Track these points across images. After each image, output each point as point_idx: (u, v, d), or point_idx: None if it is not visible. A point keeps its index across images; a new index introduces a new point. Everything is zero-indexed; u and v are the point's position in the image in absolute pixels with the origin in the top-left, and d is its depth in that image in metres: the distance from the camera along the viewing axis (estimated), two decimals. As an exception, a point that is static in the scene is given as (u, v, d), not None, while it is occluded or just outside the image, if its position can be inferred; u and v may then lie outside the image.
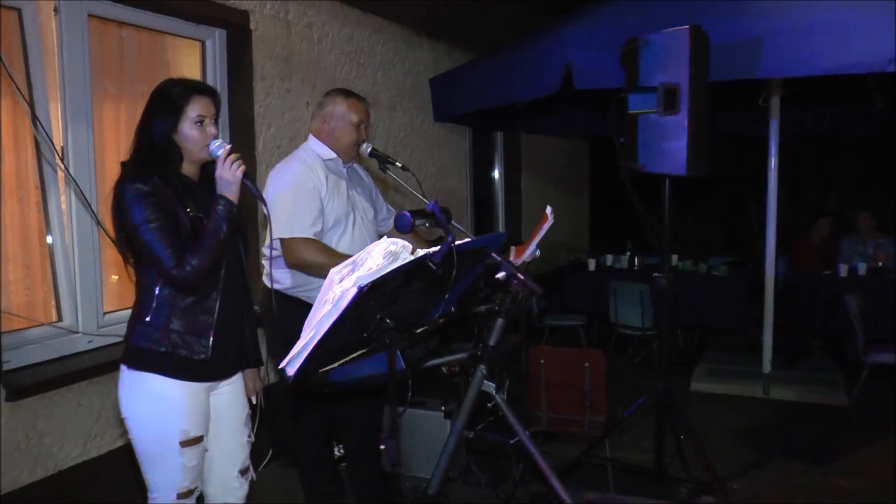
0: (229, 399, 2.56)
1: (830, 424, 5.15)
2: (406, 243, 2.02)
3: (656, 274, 3.86)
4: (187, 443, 2.37)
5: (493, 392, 2.84)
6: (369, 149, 3.30)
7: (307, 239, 3.07)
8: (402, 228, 2.51)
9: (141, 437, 2.38)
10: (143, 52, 3.95)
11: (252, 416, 2.69)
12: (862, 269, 6.45)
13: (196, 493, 2.49)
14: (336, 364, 2.16)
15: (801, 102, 6.61)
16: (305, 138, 3.38)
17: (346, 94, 3.36)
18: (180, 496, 2.41)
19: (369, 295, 1.87)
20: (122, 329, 2.86)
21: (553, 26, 5.03)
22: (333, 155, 3.27)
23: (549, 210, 3.04)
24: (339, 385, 2.29)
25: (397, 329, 2.09)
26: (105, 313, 3.63)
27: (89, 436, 3.39)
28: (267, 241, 3.08)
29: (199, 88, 2.40)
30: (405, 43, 5.96)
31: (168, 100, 2.35)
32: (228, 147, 2.38)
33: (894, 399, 5.57)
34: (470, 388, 2.88)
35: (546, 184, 8.93)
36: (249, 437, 2.66)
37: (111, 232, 2.40)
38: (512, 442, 2.92)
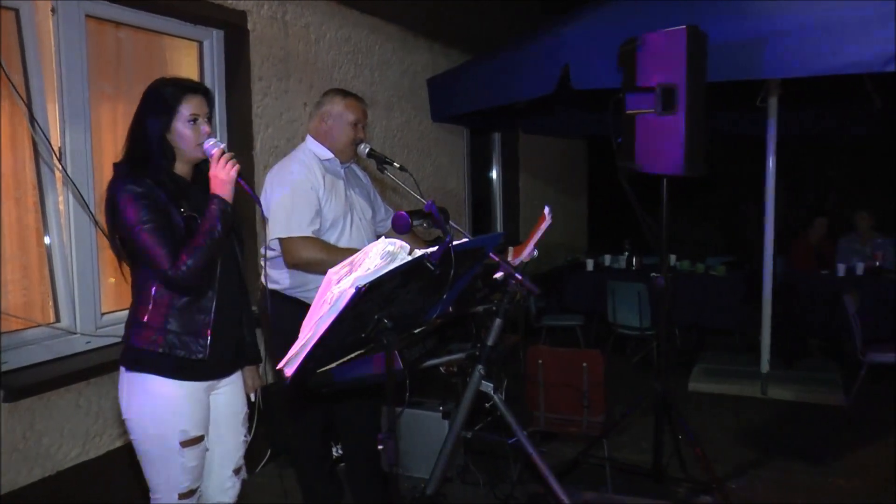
0: (229, 398, 2.56)
1: (829, 424, 5.15)
2: (404, 244, 2.02)
3: (654, 274, 3.87)
4: (188, 443, 2.37)
5: (492, 392, 2.84)
6: (367, 149, 3.30)
7: (305, 237, 3.07)
8: (399, 229, 2.51)
9: (141, 437, 2.38)
10: (141, 52, 3.95)
11: (250, 416, 2.69)
12: (860, 268, 6.46)
13: (198, 494, 2.49)
14: (334, 364, 2.16)
15: (799, 102, 6.62)
16: (303, 139, 3.38)
17: (344, 93, 3.36)
18: (181, 496, 2.40)
19: (367, 295, 1.87)
20: (119, 330, 2.85)
21: (550, 26, 5.03)
22: (331, 155, 3.27)
23: (547, 210, 3.04)
24: (338, 385, 2.29)
25: (395, 329, 2.09)
26: (103, 314, 3.63)
27: (88, 436, 3.39)
28: (265, 242, 3.09)
29: (191, 87, 2.39)
30: (402, 43, 5.97)
31: (161, 99, 2.34)
32: (223, 146, 2.37)
33: (893, 399, 5.57)
34: (468, 388, 2.88)
35: (544, 184, 8.93)
36: (245, 436, 2.66)
37: (106, 233, 2.40)
38: (510, 442, 2.92)
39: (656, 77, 3.52)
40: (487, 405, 2.89)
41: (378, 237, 2.91)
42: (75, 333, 3.48)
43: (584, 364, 3.81)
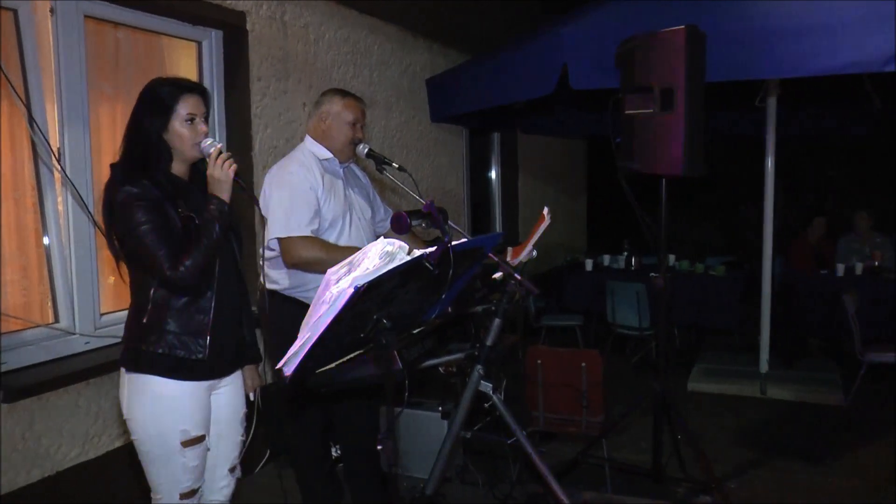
0: (229, 398, 2.57)
1: (828, 424, 5.15)
2: (403, 244, 2.02)
3: (653, 274, 3.87)
4: (189, 443, 2.37)
5: (490, 392, 2.84)
6: (366, 149, 3.30)
7: (304, 237, 3.07)
8: (398, 229, 2.51)
9: (143, 438, 2.38)
10: (140, 52, 3.94)
11: (249, 416, 2.69)
12: (859, 268, 6.46)
13: (199, 493, 2.49)
14: (333, 364, 2.16)
15: (798, 102, 6.62)
16: (302, 139, 3.39)
17: (343, 93, 3.37)
18: (183, 496, 2.41)
19: (366, 295, 1.87)
20: (118, 330, 2.86)
21: (549, 26, 5.03)
22: (330, 155, 3.28)
23: (546, 210, 3.04)
24: (337, 385, 2.29)
25: (394, 329, 2.09)
26: (102, 314, 3.63)
27: (87, 437, 3.39)
28: (264, 242, 3.09)
29: (188, 86, 2.39)
30: (401, 43, 5.97)
31: (158, 99, 2.34)
32: (220, 146, 2.37)
33: (892, 398, 5.58)
34: (467, 388, 2.88)
35: (543, 184, 8.93)
36: (242, 436, 2.66)
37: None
38: (509, 442, 2.92)
39: (655, 77, 3.51)
40: (486, 405, 2.89)
41: (377, 237, 2.92)
42: (74, 334, 3.48)
43: (583, 364, 3.81)
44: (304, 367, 1.98)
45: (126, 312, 2.42)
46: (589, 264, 7.28)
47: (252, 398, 2.73)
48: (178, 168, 2.41)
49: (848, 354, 5.92)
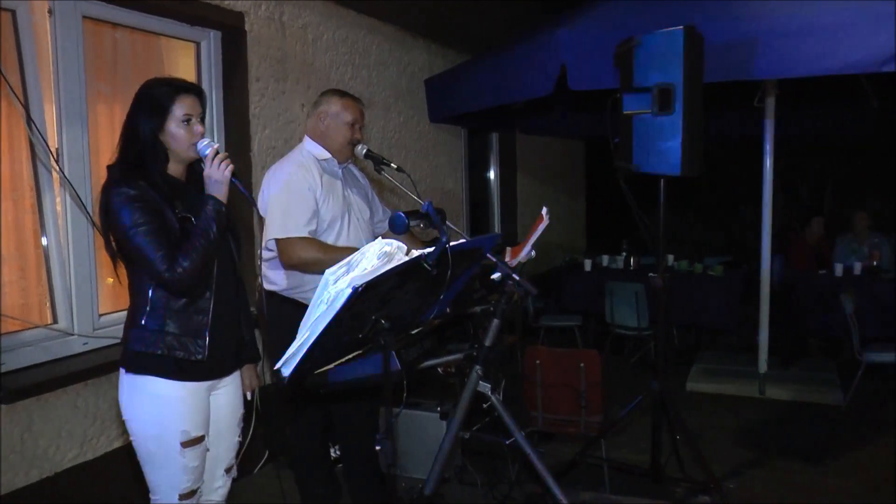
0: (228, 398, 2.57)
1: (826, 424, 5.16)
2: (401, 244, 2.02)
3: (652, 274, 3.87)
4: (188, 443, 2.37)
5: (489, 393, 2.84)
6: (364, 150, 3.31)
7: (302, 237, 3.07)
8: (396, 229, 2.51)
9: (142, 438, 2.38)
10: (138, 53, 3.94)
11: (247, 417, 2.69)
12: (857, 268, 6.47)
13: (199, 494, 2.49)
14: (332, 365, 2.16)
15: (797, 103, 6.63)
16: (300, 140, 3.39)
17: (341, 93, 3.37)
18: (182, 497, 2.41)
19: (364, 296, 1.87)
20: (117, 331, 2.86)
21: (548, 27, 5.03)
22: (328, 155, 3.28)
23: (544, 210, 3.04)
24: (336, 385, 2.29)
25: (392, 330, 2.09)
26: (100, 315, 3.62)
27: (85, 438, 3.39)
28: (262, 243, 3.09)
29: (184, 87, 2.38)
30: (400, 44, 5.97)
31: (153, 100, 2.33)
32: (216, 146, 2.37)
33: (890, 398, 5.59)
34: (465, 388, 2.88)
35: (542, 184, 8.94)
36: (239, 436, 2.66)
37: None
38: (508, 442, 2.92)
39: (653, 77, 3.52)
40: (485, 405, 2.89)
41: (376, 237, 2.92)
42: (73, 335, 3.48)
43: (582, 364, 3.81)
44: (302, 367, 1.99)
45: (124, 313, 2.42)
46: (588, 264, 7.28)
47: (250, 398, 2.73)
48: (175, 168, 2.41)
49: (846, 354, 5.93)
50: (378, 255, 1.95)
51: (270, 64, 4.46)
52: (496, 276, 2.77)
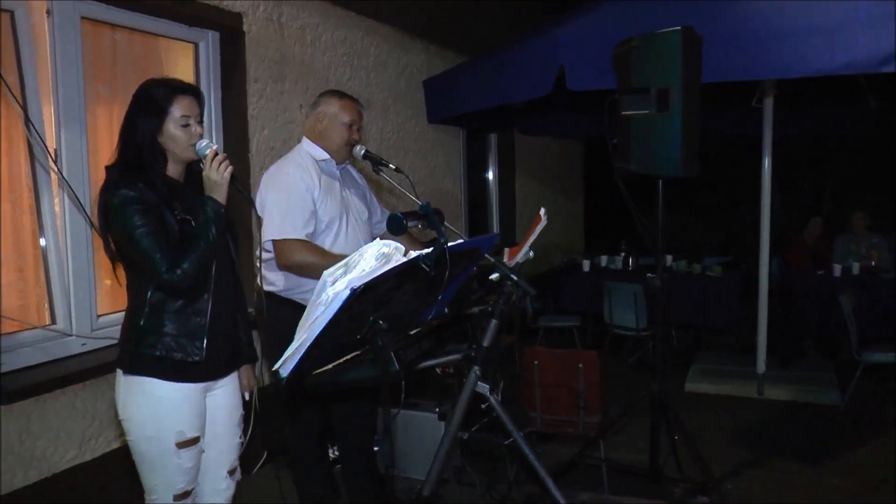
0: (224, 400, 2.57)
1: (825, 424, 5.16)
2: (399, 245, 2.02)
3: (650, 275, 3.87)
4: (183, 444, 2.37)
5: (488, 393, 2.84)
6: (363, 151, 3.31)
7: (299, 240, 3.07)
8: (394, 230, 2.51)
9: (138, 439, 2.38)
10: (137, 54, 3.94)
11: (246, 418, 2.69)
12: (856, 268, 6.48)
13: (193, 495, 2.49)
14: (330, 366, 2.16)
15: (795, 103, 6.63)
16: (299, 140, 3.39)
17: (340, 94, 3.37)
18: (177, 497, 2.41)
19: (362, 297, 1.87)
20: (115, 332, 2.85)
21: (546, 27, 5.04)
22: (326, 156, 3.28)
23: (542, 211, 3.04)
24: (334, 386, 2.29)
25: (391, 330, 2.09)
26: (99, 316, 3.62)
27: (84, 438, 3.38)
28: (260, 243, 3.08)
29: (182, 88, 2.38)
30: (398, 44, 5.97)
31: (151, 101, 2.33)
32: (215, 147, 2.37)
33: (888, 398, 5.59)
34: (464, 389, 2.88)
35: (540, 185, 8.94)
36: (241, 437, 2.66)
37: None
38: (506, 443, 2.92)
39: (651, 78, 3.52)
40: (483, 406, 2.89)
41: (374, 238, 2.92)
42: (71, 335, 3.48)
43: (580, 365, 3.81)
44: (300, 368, 1.99)
45: (123, 314, 2.42)
46: (586, 265, 7.29)
47: (248, 398, 2.73)
48: (173, 169, 2.41)
49: (845, 354, 5.93)
50: (376, 256, 1.95)
51: (269, 65, 4.46)
52: (494, 276, 2.78)
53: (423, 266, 2.08)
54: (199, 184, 2.38)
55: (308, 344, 1.93)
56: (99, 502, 3.39)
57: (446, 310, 2.58)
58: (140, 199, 2.23)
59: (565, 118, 7.91)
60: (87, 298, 3.54)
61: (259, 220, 3.00)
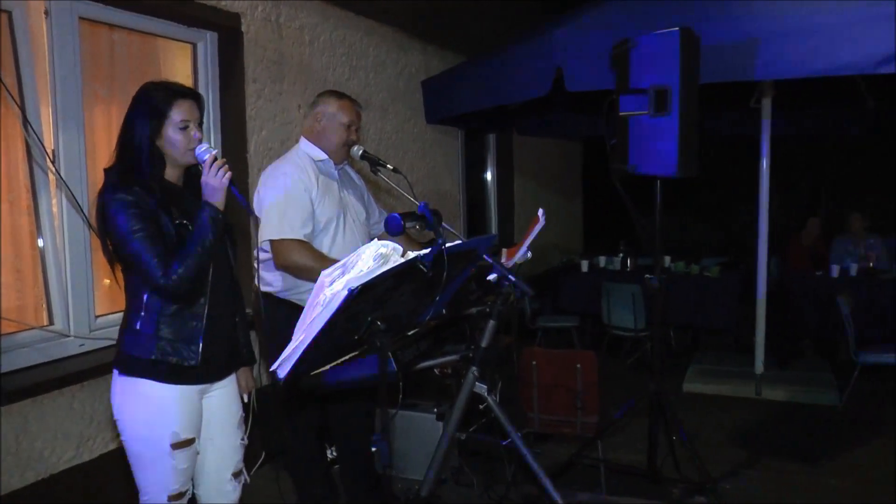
0: (222, 401, 2.56)
1: (823, 424, 5.16)
2: (397, 245, 2.02)
3: (648, 275, 3.87)
4: (178, 445, 2.37)
5: (485, 394, 2.84)
6: (361, 151, 3.31)
7: (297, 241, 3.07)
8: (392, 231, 2.51)
9: (132, 439, 2.38)
10: (135, 54, 3.94)
11: (245, 419, 2.68)
12: (853, 269, 6.48)
13: (187, 496, 2.48)
14: (328, 366, 2.16)
15: (793, 103, 6.64)
16: (297, 141, 3.39)
17: (338, 95, 3.37)
18: (171, 498, 2.40)
19: (360, 297, 1.87)
20: (113, 332, 2.85)
21: (544, 28, 5.04)
22: (324, 156, 3.28)
23: (540, 212, 3.04)
24: (332, 387, 2.29)
25: (388, 331, 2.09)
26: (97, 316, 3.62)
27: (81, 439, 3.38)
28: (257, 244, 3.08)
29: (182, 92, 2.37)
30: (397, 45, 5.97)
31: (151, 104, 2.32)
32: (215, 152, 2.36)
33: (886, 399, 5.60)
34: (462, 389, 2.88)
35: (539, 185, 8.94)
36: (243, 439, 2.65)
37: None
38: (504, 443, 2.92)
39: (649, 79, 3.53)
40: (481, 407, 2.89)
41: (371, 239, 2.92)
42: (69, 336, 3.48)
43: (578, 365, 3.81)
44: (298, 369, 1.99)
45: (121, 315, 2.42)
46: (585, 265, 7.29)
47: (246, 400, 2.73)
48: (172, 173, 2.41)
49: (842, 355, 5.93)
50: (374, 257, 1.95)
51: (267, 65, 4.46)
52: (492, 277, 2.77)
53: (421, 267, 2.09)
54: (198, 188, 2.38)
55: (306, 344, 1.93)
56: (97, 503, 3.38)
57: (444, 310, 2.58)
58: (137, 202, 2.23)
59: (564, 119, 7.92)
60: (84, 299, 3.54)
61: (257, 222, 3.00)
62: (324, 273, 1.92)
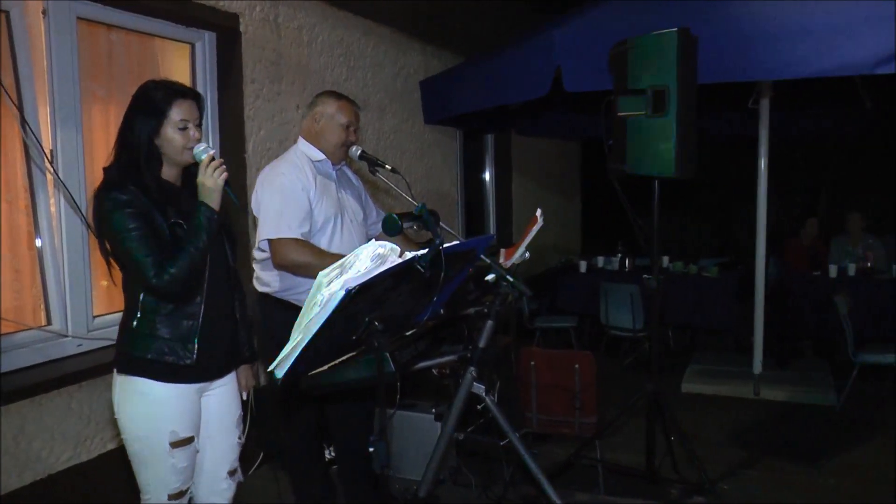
0: (221, 400, 2.56)
1: (821, 425, 5.17)
2: (394, 246, 2.02)
3: (646, 276, 3.88)
4: (177, 444, 2.37)
5: (483, 394, 2.84)
6: (359, 151, 3.31)
7: (295, 239, 3.07)
8: (389, 231, 2.51)
9: (132, 438, 2.39)
10: (133, 54, 3.94)
11: (243, 418, 2.68)
12: (851, 269, 6.49)
13: (188, 495, 2.49)
14: (326, 367, 2.16)
15: (792, 104, 6.64)
16: (295, 141, 3.38)
17: (337, 95, 3.37)
18: (171, 497, 2.41)
19: (357, 298, 1.87)
20: (111, 332, 2.86)
21: (543, 28, 5.04)
22: (322, 157, 3.28)
23: (538, 212, 3.04)
24: (330, 387, 2.28)
25: (386, 331, 2.09)
26: (95, 317, 3.62)
27: (79, 439, 3.38)
28: (255, 244, 3.09)
29: (182, 91, 2.38)
30: (395, 45, 5.97)
31: (151, 102, 2.33)
32: (212, 152, 2.36)
33: (884, 399, 5.60)
34: (460, 390, 2.88)
35: (537, 185, 8.94)
36: (240, 438, 2.65)
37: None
38: (502, 444, 2.92)
39: (647, 79, 3.53)
40: (479, 407, 2.89)
41: (369, 239, 2.92)
42: (67, 336, 3.47)
43: (576, 365, 3.81)
44: (295, 369, 1.98)
45: (119, 315, 2.42)
46: (583, 266, 7.30)
47: (245, 398, 2.73)
48: (169, 172, 2.41)
49: (841, 355, 5.94)
50: (371, 257, 1.95)
51: (265, 65, 4.46)
52: (490, 277, 2.77)
53: (419, 267, 2.09)
54: (196, 187, 2.38)
55: (303, 345, 1.93)
56: (95, 503, 3.38)
57: (442, 311, 2.58)
58: (131, 202, 2.23)
59: (562, 119, 7.92)
60: (83, 299, 3.54)
61: (255, 221, 3.00)
62: (321, 273, 1.92)
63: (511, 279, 2.63)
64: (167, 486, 2.39)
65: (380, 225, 3.38)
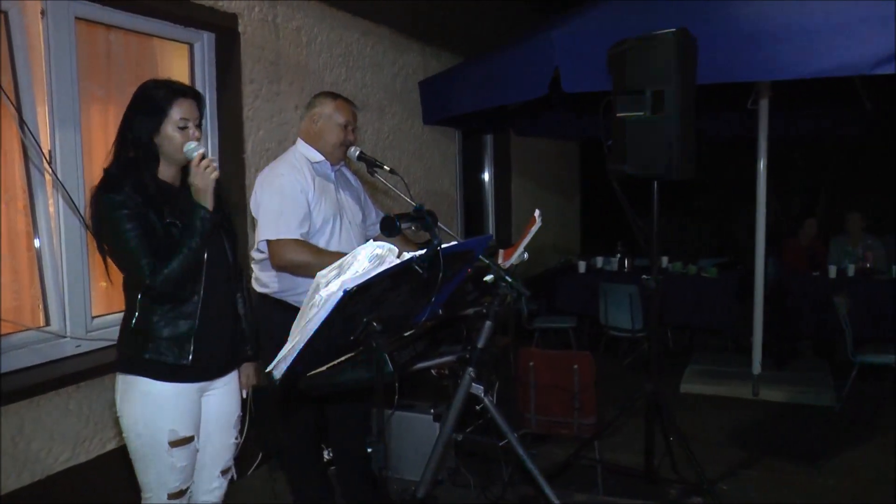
0: (221, 400, 2.57)
1: (820, 425, 5.17)
2: (392, 246, 2.02)
3: (645, 276, 3.87)
4: (176, 443, 2.38)
5: (482, 394, 2.84)
6: (357, 152, 3.30)
7: (293, 239, 3.07)
8: (387, 232, 2.51)
9: (132, 437, 2.39)
10: (132, 54, 3.94)
11: (242, 419, 2.69)
12: (851, 270, 6.49)
13: (188, 494, 2.49)
14: (324, 367, 2.16)
15: (791, 104, 6.64)
16: (294, 142, 3.38)
17: (335, 95, 3.37)
18: (171, 496, 2.42)
19: (355, 298, 1.87)
20: (110, 333, 2.85)
21: (541, 29, 5.04)
22: (321, 157, 3.28)
23: (537, 213, 3.04)
24: (328, 387, 2.29)
25: (385, 332, 2.09)
26: (93, 317, 3.61)
27: (78, 440, 3.38)
28: (254, 245, 3.08)
29: (183, 91, 2.38)
30: (394, 46, 5.96)
31: (151, 101, 2.33)
32: (202, 151, 2.36)
33: (883, 399, 5.60)
34: (458, 390, 2.88)
35: (536, 186, 8.94)
36: (237, 438, 2.66)
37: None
38: (501, 444, 2.92)
39: (646, 80, 3.53)
40: (478, 407, 2.89)
41: (368, 240, 2.91)
42: (65, 337, 3.47)
43: (575, 366, 3.81)
44: (294, 370, 1.98)
45: (117, 315, 2.43)
46: (582, 266, 7.29)
47: (244, 397, 2.73)
48: (168, 172, 2.41)
49: (840, 355, 5.94)
50: (369, 258, 1.95)
51: (264, 66, 4.46)
52: (489, 278, 2.78)
53: (417, 268, 2.09)
54: None
55: (301, 346, 1.93)
56: (93, 504, 3.39)
57: (441, 311, 2.58)
58: (126, 203, 2.23)
59: (561, 119, 7.92)
60: (81, 300, 3.54)
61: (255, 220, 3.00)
62: (320, 274, 1.92)
63: (510, 279, 2.63)
64: (167, 485, 2.40)
65: (378, 226, 3.39)
